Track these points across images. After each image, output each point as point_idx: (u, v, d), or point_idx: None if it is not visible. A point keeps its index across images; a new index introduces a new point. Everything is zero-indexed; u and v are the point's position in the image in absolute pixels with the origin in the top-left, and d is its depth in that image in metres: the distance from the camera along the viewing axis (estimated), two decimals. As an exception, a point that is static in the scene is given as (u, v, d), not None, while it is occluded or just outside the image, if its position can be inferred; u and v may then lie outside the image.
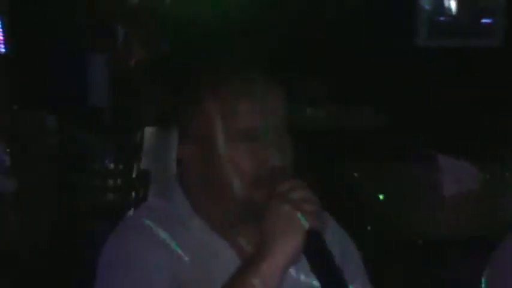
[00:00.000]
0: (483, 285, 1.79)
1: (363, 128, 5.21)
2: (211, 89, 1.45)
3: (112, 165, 5.26)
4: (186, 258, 1.43)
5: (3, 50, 5.61)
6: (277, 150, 1.41)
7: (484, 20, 6.09)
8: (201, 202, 1.48)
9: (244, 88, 1.43)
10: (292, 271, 1.45)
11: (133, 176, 4.92)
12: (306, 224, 1.27)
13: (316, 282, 1.30)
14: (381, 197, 3.51)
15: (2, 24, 5.54)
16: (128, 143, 5.31)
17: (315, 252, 1.28)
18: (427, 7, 6.12)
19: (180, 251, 1.43)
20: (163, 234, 1.44)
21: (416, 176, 3.75)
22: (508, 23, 5.98)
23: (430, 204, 3.45)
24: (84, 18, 5.98)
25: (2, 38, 5.57)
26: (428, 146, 4.27)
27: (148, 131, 6.62)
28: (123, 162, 5.19)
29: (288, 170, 1.43)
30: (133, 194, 4.87)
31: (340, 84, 5.72)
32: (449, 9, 6.17)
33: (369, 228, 3.65)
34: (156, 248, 1.42)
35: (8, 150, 3.88)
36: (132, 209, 4.21)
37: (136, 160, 5.13)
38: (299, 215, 1.27)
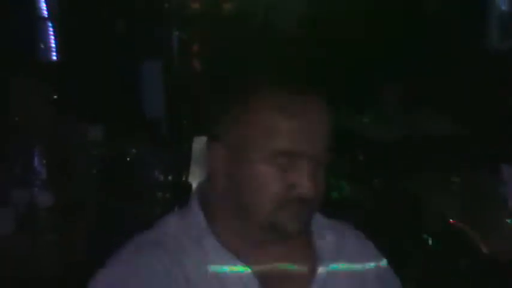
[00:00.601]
0: None
1: (432, 136, 5.09)
2: (260, 102, 1.41)
3: (162, 178, 5.22)
4: (192, 279, 1.43)
5: (54, 58, 5.59)
6: (309, 180, 1.40)
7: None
8: (219, 220, 1.47)
9: (295, 109, 1.40)
10: None
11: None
12: None
13: None
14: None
15: (53, 29, 5.52)
16: (179, 154, 5.24)
17: None
18: (503, 8, 5.90)
19: (184, 276, 1.43)
20: (167, 261, 1.43)
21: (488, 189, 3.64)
22: None
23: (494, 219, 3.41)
24: (139, 23, 5.92)
25: (53, 44, 5.55)
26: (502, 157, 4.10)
27: (199, 142, 6.56)
28: (173, 175, 5.16)
29: (317, 201, 1.43)
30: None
31: (407, 90, 5.56)
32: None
33: (429, 242, 3.65)
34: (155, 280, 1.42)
35: (44, 162, 3.86)
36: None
37: (185, 172, 5.06)
38: None
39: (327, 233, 1.52)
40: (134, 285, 1.41)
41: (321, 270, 1.48)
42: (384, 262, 1.59)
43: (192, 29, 6.95)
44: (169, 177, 5.07)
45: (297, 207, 1.39)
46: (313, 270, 1.48)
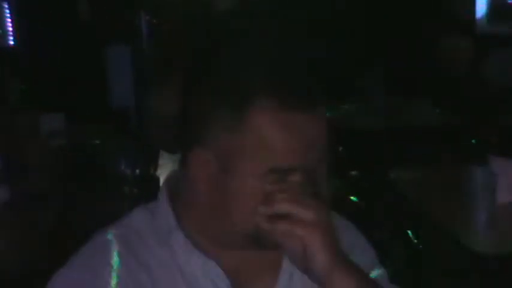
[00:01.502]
0: None
1: (416, 127, 5.11)
2: (261, 114, 1.33)
3: (129, 171, 5.16)
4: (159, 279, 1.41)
5: (12, 43, 5.48)
6: (307, 198, 1.34)
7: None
8: (190, 219, 1.44)
9: (297, 125, 1.33)
10: None
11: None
12: None
13: None
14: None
15: (10, 13, 5.40)
16: (147, 146, 5.16)
17: None
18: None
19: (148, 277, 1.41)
20: (131, 262, 1.42)
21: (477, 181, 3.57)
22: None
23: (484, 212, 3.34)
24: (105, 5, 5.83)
25: (10, 29, 5.44)
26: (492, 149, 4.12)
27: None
28: (141, 167, 5.09)
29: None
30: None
31: (392, 77, 5.59)
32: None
33: (415, 240, 3.64)
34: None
35: (-1, 153, 3.77)
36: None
37: (153, 165, 4.99)
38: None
39: None
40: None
41: (285, 262, 1.45)
42: (373, 257, 1.59)
43: (162, 11, 6.87)
44: (137, 170, 5.00)
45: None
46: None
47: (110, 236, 1.46)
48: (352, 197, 4.01)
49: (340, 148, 4.79)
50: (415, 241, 3.60)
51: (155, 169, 5.07)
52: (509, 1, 5.96)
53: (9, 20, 5.45)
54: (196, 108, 1.37)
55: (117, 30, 5.94)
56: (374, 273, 1.55)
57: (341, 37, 6.00)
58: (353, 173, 4.76)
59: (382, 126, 5.11)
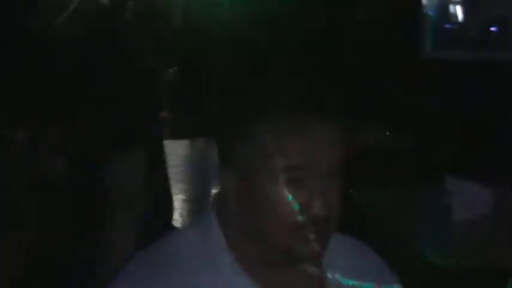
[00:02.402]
0: None
1: (371, 148, 5.27)
2: (265, 120, 1.44)
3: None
4: None
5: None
6: (322, 199, 1.43)
7: (494, 29, 6.05)
8: (237, 239, 1.49)
9: (299, 125, 1.43)
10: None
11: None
12: None
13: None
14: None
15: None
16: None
17: None
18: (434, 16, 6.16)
19: None
20: (178, 284, 1.46)
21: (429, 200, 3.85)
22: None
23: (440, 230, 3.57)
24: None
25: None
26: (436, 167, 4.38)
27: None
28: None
29: (332, 220, 1.46)
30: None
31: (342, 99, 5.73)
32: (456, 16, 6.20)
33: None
34: None
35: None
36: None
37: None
38: None
39: (338, 252, 1.56)
40: None
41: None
42: (390, 276, 1.66)
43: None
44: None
45: (311, 229, 1.42)
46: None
47: (158, 254, 1.52)
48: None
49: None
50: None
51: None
52: (447, 26, 6.16)
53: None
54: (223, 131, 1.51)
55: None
56: None
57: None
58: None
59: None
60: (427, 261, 3.20)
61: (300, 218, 1.41)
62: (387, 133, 5.45)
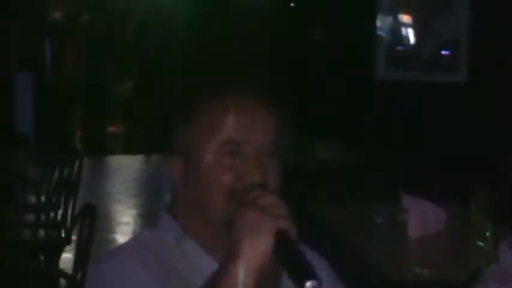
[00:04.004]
0: None
1: (326, 165, 5.42)
2: (203, 101, 1.60)
3: (43, 199, 5.34)
4: (175, 279, 1.58)
5: None
6: (257, 168, 1.56)
7: (445, 52, 6.25)
8: (191, 223, 1.62)
9: (235, 102, 1.58)
10: None
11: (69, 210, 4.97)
12: (274, 226, 1.41)
13: None
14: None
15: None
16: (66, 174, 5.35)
17: (286, 251, 1.42)
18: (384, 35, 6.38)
19: (168, 275, 1.58)
20: (152, 260, 1.59)
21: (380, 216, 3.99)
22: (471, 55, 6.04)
23: (394, 245, 3.74)
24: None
25: None
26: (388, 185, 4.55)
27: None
28: (58, 196, 5.28)
29: (268, 188, 1.55)
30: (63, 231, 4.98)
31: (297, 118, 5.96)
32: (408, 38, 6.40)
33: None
34: (146, 272, 1.56)
35: None
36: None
37: (72, 193, 5.19)
38: (267, 216, 1.42)
39: None
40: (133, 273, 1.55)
41: None
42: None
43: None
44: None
45: (247, 196, 1.48)
46: None
47: (126, 246, 1.66)
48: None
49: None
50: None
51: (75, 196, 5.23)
52: (399, 48, 6.37)
53: None
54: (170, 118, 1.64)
55: (21, 59, 6.12)
56: None
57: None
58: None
59: (293, 165, 5.27)
60: (381, 274, 3.36)
61: (236, 185, 1.54)
62: (340, 150, 5.61)
